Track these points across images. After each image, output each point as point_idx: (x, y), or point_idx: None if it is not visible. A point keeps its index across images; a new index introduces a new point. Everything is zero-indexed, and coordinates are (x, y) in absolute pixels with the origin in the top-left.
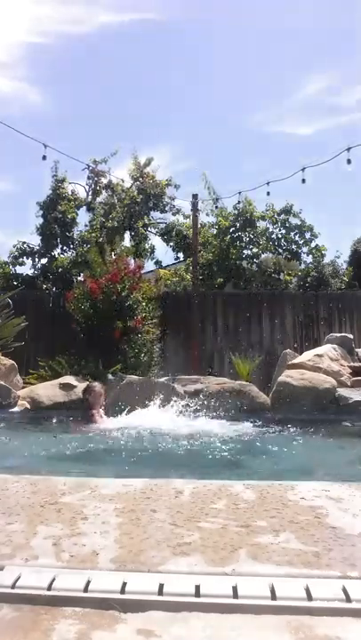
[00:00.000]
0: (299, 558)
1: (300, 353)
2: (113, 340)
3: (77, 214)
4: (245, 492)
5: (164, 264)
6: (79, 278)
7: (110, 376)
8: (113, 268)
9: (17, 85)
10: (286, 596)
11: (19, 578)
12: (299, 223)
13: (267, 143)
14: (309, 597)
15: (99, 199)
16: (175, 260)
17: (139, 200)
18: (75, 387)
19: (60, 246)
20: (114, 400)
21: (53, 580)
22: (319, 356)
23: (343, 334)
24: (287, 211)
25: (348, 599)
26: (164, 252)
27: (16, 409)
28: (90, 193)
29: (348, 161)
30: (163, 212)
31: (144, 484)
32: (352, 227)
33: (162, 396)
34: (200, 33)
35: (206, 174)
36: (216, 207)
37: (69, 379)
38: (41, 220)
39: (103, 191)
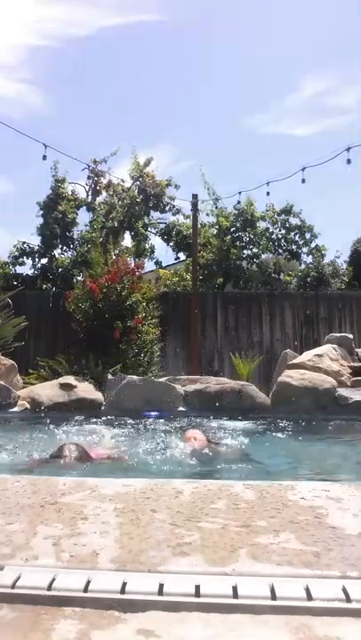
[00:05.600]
0: (299, 558)
1: (300, 353)
2: (113, 339)
3: (77, 214)
4: (245, 492)
5: (164, 264)
6: (79, 278)
7: (110, 376)
8: (113, 268)
9: (18, 86)
10: (286, 596)
11: (19, 578)
12: (299, 223)
13: (267, 143)
14: (309, 597)
15: (99, 199)
16: (175, 259)
17: (139, 200)
18: (75, 387)
19: (60, 246)
20: (114, 400)
21: (53, 580)
22: (319, 356)
23: (343, 334)
24: (287, 211)
25: (349, 599)
26: (164, 252)
27: (16, 409)
28: (90, 193)
29: (348, 161)
30: (163, 212)
31: (144, 484)
32: (352, 227)
33: None
34: (200, 34)
35: (204, 174)
36: (216, 207)
37: (69, 379)
38: (41, 220)
39: (103, 191)
